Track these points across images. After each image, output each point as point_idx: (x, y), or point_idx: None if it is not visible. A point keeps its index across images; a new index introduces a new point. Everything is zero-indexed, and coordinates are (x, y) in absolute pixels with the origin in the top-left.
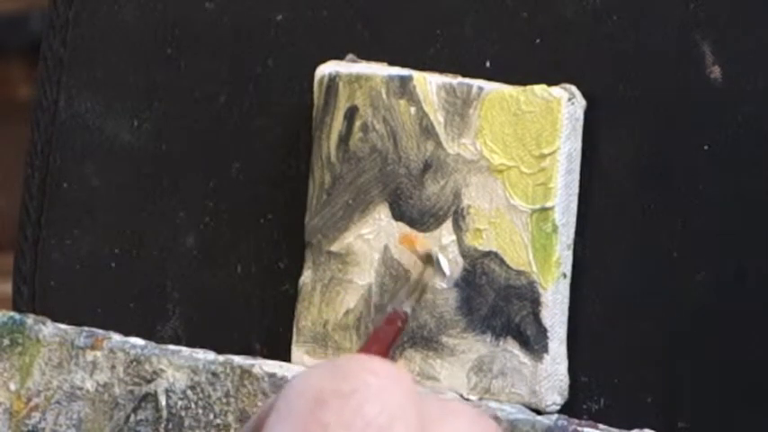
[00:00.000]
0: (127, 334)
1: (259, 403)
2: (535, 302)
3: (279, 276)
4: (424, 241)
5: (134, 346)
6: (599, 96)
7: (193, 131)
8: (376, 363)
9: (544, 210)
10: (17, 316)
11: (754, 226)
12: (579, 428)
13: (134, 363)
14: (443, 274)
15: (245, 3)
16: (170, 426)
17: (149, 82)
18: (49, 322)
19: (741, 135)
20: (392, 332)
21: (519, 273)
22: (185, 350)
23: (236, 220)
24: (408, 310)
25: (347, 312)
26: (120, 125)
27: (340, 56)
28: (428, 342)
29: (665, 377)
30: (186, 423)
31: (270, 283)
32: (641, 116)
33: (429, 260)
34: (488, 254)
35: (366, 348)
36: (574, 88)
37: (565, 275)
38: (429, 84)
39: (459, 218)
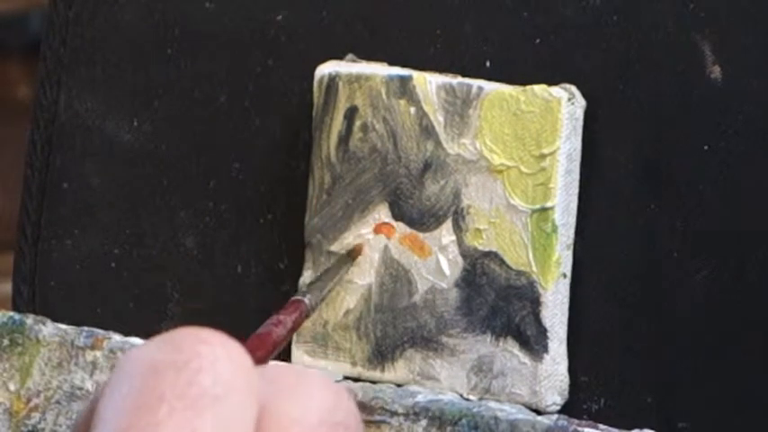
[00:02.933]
0: (127, 334)
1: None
2: (535, 302)
3: (279, 276)
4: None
5: (134, 346)
6: (599, 96)
7: (193, 131)
8: (208, 333)
9: (544, 210)
10: (17, 316)
11: (754, 226)
12: (579, 428)
13: None
14: (443, 274)
15: (245, 3)
16: None
17: (149, 82)
18: (49, 322)
19: (741, 135)
20: (290, 323)
21: (519, 273)
22: None
23: (236, 220)
24: (314, 302)
25: (347, 312)
26: (120, 125)
27: (340, 56)
28: (428, 342)
29: (665, 377)
30: None
31: (270, 283)
32: (641, 116)
33: (353, 255)
34: (488, 254)
35: (256, 338)
36: (574, 88)
37: (565, 275)
38: (429, 84)
39: (459, 218)
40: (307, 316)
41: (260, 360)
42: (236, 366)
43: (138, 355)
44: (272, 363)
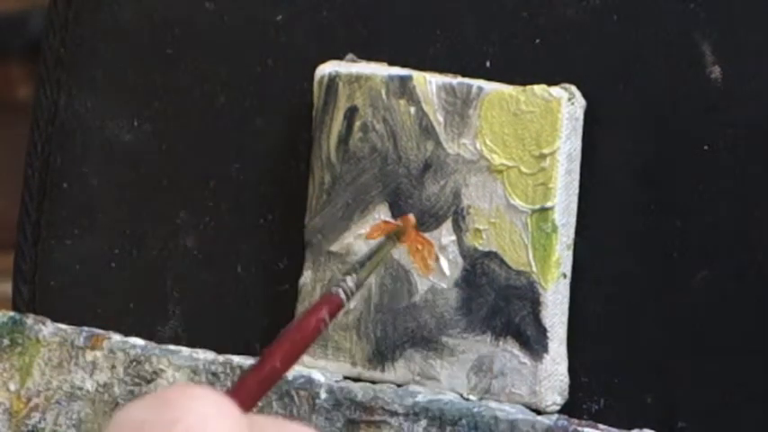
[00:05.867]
0: (127, 334)
1: (259, 403)
2: (535, 302)
3: (279, 276)
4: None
5: (134, 346)
6: (599, 96)
7: (193, 131)
8: (197, 390)
9: (544, 210)
10: (17, 316)
11: (753, 226)
12: (579, 428)
13: (134, 363)
14: (443, 274)
15: (245, 3)
16: None
17: (149, 82)
18: (48, 322)
19: (741, 135)
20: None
21: (519, 273)
22: (185, 350)
23: (236, 220)
24: (351, 290)
25: (347, 312)
26: (120, 125)
27: (340, 56)
28: (428, 342)
29: (665, 377)
30: None
31: (270, 283)
32: (641, 116)
33: (398, 236)
34: (488, 254)
35: (287, 336)
36: (574, 88)
37: (565, 275)
38: (429, 84)
39: (459, 218)
40: (342, 307)
41: (281, 368)
42: (228, 422)
43: (124, 416)
44: (263, 417)
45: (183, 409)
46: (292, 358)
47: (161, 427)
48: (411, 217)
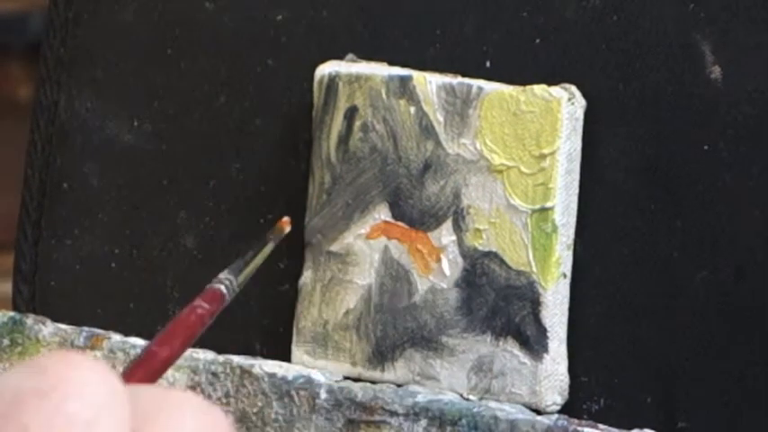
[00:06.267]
0: (127, 334)
1: (259, 403)
2: (535, 302)
3: (279, 276)
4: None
5: (134, 346)
6: (599, 96)
7: (193, 131)
8: (77, 357)
9: (544, 210)
10: (17, 316)
11: (753, 226)
12: (579, 428)
13: None
14: (443, 274)
15: (245, 3)
16: None
17: (149, 82)
18: (49, 322)
19: (741, 135)
20: (210, 311)
21: (519, 273)
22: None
23: (236, 220)
24: (235, 284)
25: (347, 312)
26: (120, 125)
27: (340, 56)
28: (428, 342)
29: (665, 377)
30: None
31: (270, 283)
32: (641, 116)
33: (275, 232)
34: (488, 254)
35: (171, 330)
36: (574, 88)
37: (565, 275)
38: (429, 84)
39: (459, 218)
40: (223, 301)
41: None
42: (106, 390)
43: (1, 384)
44: (146, 386)
45: (59, 376)
46: (175, 345)
47: (37, 395)
48: (286, 220)
